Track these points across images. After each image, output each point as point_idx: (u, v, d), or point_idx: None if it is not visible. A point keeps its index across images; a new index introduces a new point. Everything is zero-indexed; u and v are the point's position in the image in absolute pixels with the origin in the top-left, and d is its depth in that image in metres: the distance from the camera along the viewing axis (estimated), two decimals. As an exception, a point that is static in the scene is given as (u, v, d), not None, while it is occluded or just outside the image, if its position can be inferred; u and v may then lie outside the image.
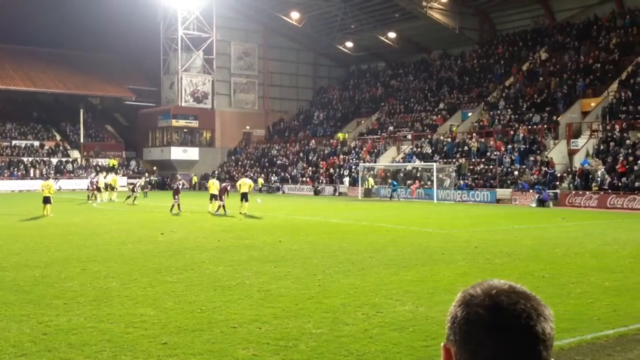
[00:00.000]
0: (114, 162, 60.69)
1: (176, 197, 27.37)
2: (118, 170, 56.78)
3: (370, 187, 41.15)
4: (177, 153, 60.21)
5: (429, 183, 38.85)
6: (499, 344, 1.21)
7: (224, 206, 25.76)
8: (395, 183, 39.16)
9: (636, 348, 6.60)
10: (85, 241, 16.69)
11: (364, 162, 45.16)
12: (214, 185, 27.28)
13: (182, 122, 61.11)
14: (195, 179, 58.25)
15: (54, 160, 58.62)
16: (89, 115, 64.90)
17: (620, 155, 33.13)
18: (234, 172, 55.20)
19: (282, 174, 52.44)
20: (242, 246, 15.49)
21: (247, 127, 64.47)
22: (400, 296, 9.20)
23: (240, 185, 27.27)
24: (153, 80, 65.01)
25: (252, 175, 47.93)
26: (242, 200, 26.30)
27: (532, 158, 37.08)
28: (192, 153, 61.06)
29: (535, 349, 1.21)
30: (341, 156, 50.27)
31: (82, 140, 62.27)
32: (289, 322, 7.68)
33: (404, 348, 6.61)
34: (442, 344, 1.30)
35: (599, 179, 32.41)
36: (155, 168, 61.85)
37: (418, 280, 10.57)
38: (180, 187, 31.08)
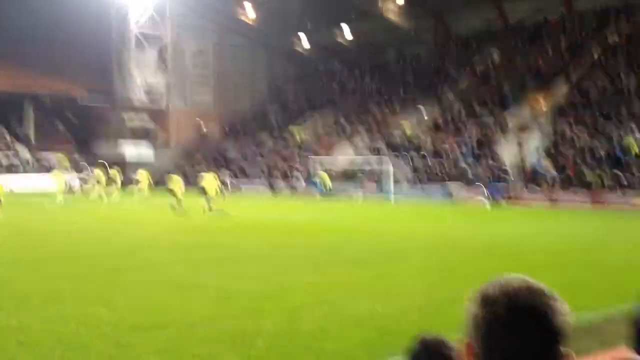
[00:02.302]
0: (64, 160, 59.34)
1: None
2: (69, 169, 55.58)
3: (326, 185, 41.19)
4: (131, 152, 59.25)
5: (384, 181, 39.12)
6: (518, 342, 1.32)
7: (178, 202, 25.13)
8: (316, 181, 38.89)
9: (584, 337, 6.78)
10: (39, 241, 16.31)
11: (320, 160, 45.18)
12: (175, 181, 26.62)
13: (135, 121, 60.16)
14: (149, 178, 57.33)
15: (4, 161, 57.01)
16: (39, 113, 63.30)
17: (569, 152, 34.01)
18: (190, 172, 54.64)
19: (238, 173, 52.14)
20: (199, 245, 15.33)
21: (202, 126, 63.85)
22: (357, 294, 9.24)
23: (200, 181, 26.41)
24: (105, 78, 63.78)
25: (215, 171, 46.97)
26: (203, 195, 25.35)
27: (483, 157, 37.75)
28: (146, 152, 60.17)
29: (554, 345, 1.32)
30: (297, 154, 50.25)
31: (32, 139, 60.71)
32: (246, 320, 7.62)
33: (361, 344, 6.64)
34: (465, 341, 1.38)
35: (549, 177, 33.19)
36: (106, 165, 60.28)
37: (375, 278, 10.64)
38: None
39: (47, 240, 16.50)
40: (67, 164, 58.11)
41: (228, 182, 34.35)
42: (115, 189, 37.53)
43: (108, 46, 61.54)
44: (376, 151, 44.05)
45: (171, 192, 26.23)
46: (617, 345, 6.52)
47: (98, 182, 37.68)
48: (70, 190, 37.90)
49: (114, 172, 39.78)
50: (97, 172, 39.10)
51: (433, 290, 9.59)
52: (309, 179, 40.37)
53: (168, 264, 12.21)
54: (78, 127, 66.65)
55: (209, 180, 25.94)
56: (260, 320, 7.61)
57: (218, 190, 25.69)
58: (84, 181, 35.59)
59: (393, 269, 11.68)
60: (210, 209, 24.72)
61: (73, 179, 35.97)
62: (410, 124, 46.33)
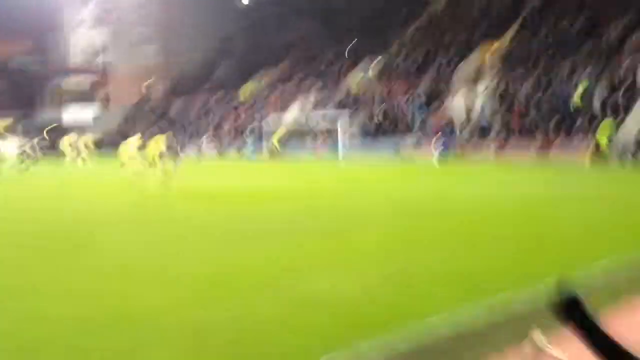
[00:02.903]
0: (2, 125, 56.90)
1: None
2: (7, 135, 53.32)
3: (275, 147, 40.62)
4: (71, 115, 57.17)
5: (335, 141, 38.75)
6: None
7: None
8: (249, 142, 37.98)
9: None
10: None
11: (269, 118, 44.43)
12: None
13: (74, 82, 57.97)
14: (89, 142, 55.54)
15: None
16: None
17: (517, 102, 34.21)
18: (132, 133, 53.05)
19: (183, 134, 50.93)
20: (144, 220, 14.77)
21: (146, 83, 61.84)
22: (316, 270, 8.95)
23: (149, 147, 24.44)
24: (41, 37, 60.90)
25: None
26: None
27: (433, 108, 37.72)
28: (87, 113, 58.15)
29: None
30: (245, 112, 49.33)
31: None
32: (199, 308, 7.22)
33: (325, 333, 6.33)
34: None
35: (495, 131, 33.41)
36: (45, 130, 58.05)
37: (332, 250, 10.35)
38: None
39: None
40: (3, 129, 55.75)
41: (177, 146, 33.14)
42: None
43: (43, 3, 58.55)
44: (325, 107, 43.56)
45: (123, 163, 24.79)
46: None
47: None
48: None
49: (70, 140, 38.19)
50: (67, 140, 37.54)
51: (394, 261, 9.39)
52: (247, 140, 39.44)
53: (114, 243, 11.67)
54: (14, 90, 63.74)
55: (151, 147, 24.61)
56: (215, 307, 7.22)
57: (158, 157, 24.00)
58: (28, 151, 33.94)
59: (350, 238, 11.40)
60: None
61: (12, 147, 34.29)
62: (359, 77, 45.87)
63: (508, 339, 5.84)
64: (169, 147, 23.99)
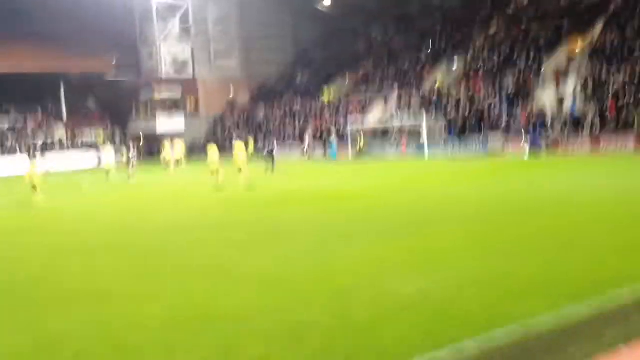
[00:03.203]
0: (101, 136, 60.00)
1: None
2: (107, 145, 56.15)
3: (360, 147, 40.77)
4: (163, 125, 59.48)
5: (419, 140, 38.47)
6: None
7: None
8: (332, 143, 37.78)
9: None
10: (79, 228, 16.42)
11: (352, 121, 44.65)
12: (238, 151, 24.55)
13: (164, 94, 60.26)
14: (183, 148, 57.63)
15: (39, 141, 57.78)
16: (69, 91, 63.78)
17: (609, 97, 32.89)
18: (223, 141, 54.56)
19: (270, 139, 51.90)
20: (234, 223, 15.25)
21: (231, 94, 63.59)
22: (406, 271, 9.00)
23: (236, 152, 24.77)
24: (131, 51, 63.71)
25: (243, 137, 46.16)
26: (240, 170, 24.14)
27: (520, 106, 36.79)
28: (177, 123, 60.32)
29: None
30: (328, 116, 49.74)
31: (64, 118, 61.35)
32: (297, 310, 7.44)
33: (418, 332, 6.40)
34: None
35: (589, 123, 32.24)
36: (141, 138, 60.53)
37: (421, 251, 10.35)
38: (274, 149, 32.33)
39: (88, 226, 16.57)
40: (104, 140, 58.69)
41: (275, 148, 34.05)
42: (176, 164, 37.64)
43: (131, 20, 61.27)
44: (409, 107, 43.32)
45: (211, 165, 25.25)
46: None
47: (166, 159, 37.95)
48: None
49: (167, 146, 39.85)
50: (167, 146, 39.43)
51: (484, 260, 9.29)
52: (328, 142, 39.61)
53: (211, 246, 12.13)
54: (108, 103, 67.01)
55: (239, 148, 24.85)
56: (311, 309, 7.42)
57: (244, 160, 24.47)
58: (127, 158, 35.43)
59: (437, 238, 11.38)
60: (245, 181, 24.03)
61: (112, 155, 35.86)
62: (442, 76, 45.37)
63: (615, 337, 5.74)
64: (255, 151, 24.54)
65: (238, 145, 25.50)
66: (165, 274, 9.99)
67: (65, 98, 62.11)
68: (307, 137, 45.63)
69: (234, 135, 49.75)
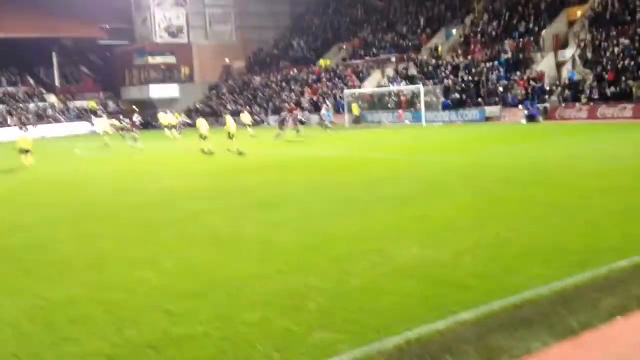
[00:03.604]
0: (93, 104, 59.49)
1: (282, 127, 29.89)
2: (99, 113, 55.84)
3: (356, 114, 40.53)
4: (157, 91, 59.01)
5: (417, 106, 38.26)
6: None
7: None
8: (328, 113, 37.61)
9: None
10: (73, 195, 16.32)
11: (350, 88, 44.33)
12: (230, 122, 26.02)
13: (158, 59, 59.66)
14: (177, 116, 57.31)
15: (32, 106, 57.28)
16: (62, 57, 63.05)
17: (609, 64, 32.64)
18: (219, 107, 54.20)
19: (266, 106, 51.58)
20: (233, 190, 15.16)
21: (227, 60, 63.01)
22: (404, 238, 8.94)
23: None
24: (125, 17, 62.91)
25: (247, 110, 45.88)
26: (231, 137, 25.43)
27: (519, 73, 36.53)
28: (172, 90, 59.86)
29: None
30: (324, 84, 49.33)
31: (57, 84, 60.75)
32: (293, 277, 7.39)
33: (417, 299, 6.36)
34: None
35: (588, 90, 32.05)
36: (134, 108, 60.14)
37: (420, 218, 10.30)
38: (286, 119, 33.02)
39: (82, 194, 16.48)
40: (95, 107, 58.23)
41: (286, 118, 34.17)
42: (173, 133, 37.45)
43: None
44: (406, 74, 42.97)
45: (201, 135, 25.97)
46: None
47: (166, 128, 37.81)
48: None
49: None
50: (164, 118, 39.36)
51: (483, 228, 9.23)
52: (324, 110, 39.45)
53: (207, 214, 12.04)
54: (102, 69, 66.33)
55: (230, 121, 26.04)
56: (308, 276, 7.37)
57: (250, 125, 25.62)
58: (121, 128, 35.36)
59: (437, 205, 11.32)
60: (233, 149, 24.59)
61: (105, 122, 35.78)
62: (441, 43, 44.94)
63: (612, 307, 5.70)
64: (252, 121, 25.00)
65: (229, 118, 26.88)
66: (161, 241, 9.93)
67: (58, 65, 61.42)
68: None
69: (227, 107, 49.42)
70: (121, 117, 40.41)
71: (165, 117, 39.80)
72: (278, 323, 5.96)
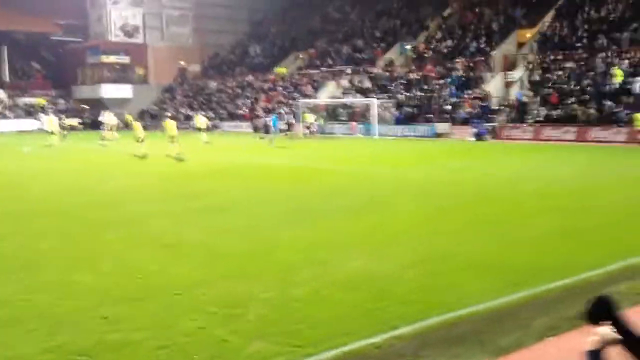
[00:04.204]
0: (42, 101, 57.96)
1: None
2: (46, 110, 54.44)
3: (310, 125, 40.55)
4: (109, 91, 57.90)
5: (370, 119, 38.54)
6: None
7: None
8: (274, 120, 37.61)
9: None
10: (17, 192, 15.85)
11: (305, 97, 44.40)
12: (171, 126, 25.51)
13: (112, 58, 58.64)
14: (129, 118, 56.34)
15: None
16: (13, 52, 61.27)
17: (554, 86, 33.54)
18: (170, 110, 53.49)
19: (221, 111, 51.21)
20: (182, 194, 14.96)
21: (182, 62, 62.33)
22: (350, 250, 8.96)
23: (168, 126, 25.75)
24: (80, 13, 61.64)
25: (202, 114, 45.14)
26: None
27: (469, 91, 37.22)
28: (125, 90, 58.84)
29: None
30: (278, 92, 49.28)
31: (7, 79, 59.02)
32: (235, 285, 7.33)
33: (358, 311, 6.37)
34: None
35: (534, 111, 32.86)
36: (83, 107, 58.68)
37: (367, 230, 10.36)
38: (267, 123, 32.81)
39: (26, 192, 16.04)
40: (44, 104, 56.76)
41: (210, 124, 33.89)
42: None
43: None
44: (360, 88, 43.30)
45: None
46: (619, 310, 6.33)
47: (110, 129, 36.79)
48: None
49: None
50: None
51: (428, 243, 9.34)
52: (274, 119, 39.48)
53: (154, 217, 11.86)
54: (54, 66, 64.73)
55: (171, 125, 25.54)
56: (251, 284, 7.31)
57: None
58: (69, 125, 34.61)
59: (384, 218, 11.41)
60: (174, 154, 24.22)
61: (54, 120, 34.77)
62: (395, 57, 45.49)
63: (544, 327, 5.83)
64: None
65: (169, 122, 26.27)
66: (103, 243, 9.72)
67: (8, 59, 59.67)
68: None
69: (168, 112, 48.58)
70: (63, 116, 39.54)
71: (108, 117, 38.80)
72: (216, 332, 5.88)
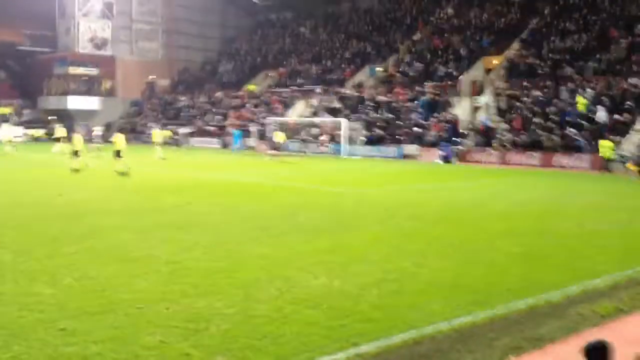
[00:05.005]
0: (6, 110, 57.00)
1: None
2: (9, 119, 53.57)
3: (280, 141, 40.52)
4: (76, 102, 57.24)
5: (338, 138, 38.72)
6: None
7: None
8: (238, 134, 37.22)
9: (546, 322, 6.70)
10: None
11: (274, 115, 44.47)
12: (120, 140, 24.75)
13: (80, 70, 58.03)
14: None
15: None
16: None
17: (518, 113, 34.22)
18: (139, 124, 53.11)
19: (189, 127, 50.93)
20: (148, 209, 14.83)
21: (151, 77, 61.98)
22: (313, 268, 8.98)
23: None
24: (48, 24, 60.95)
25: (158, 126, 45.03)
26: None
27: (437, 114, 37.71)
28: (92, 102, 58.24)
29: None
30: (247, 110, 49.27)
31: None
32: (198, 300, 7.29)
33: (320, 329, 6.39)
34: None
35: (500, 136, 33.43)
36: (50, 118, 57.85)
37: (331, 249, 10.40)
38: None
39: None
40: (8, 113, 55.79)
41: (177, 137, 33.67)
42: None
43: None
44: (329, 108, 43.55)
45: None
46: (580, 330, 6.47)
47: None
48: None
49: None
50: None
51: (390, 262, 9.42)
52: (237, 135, 39.47)
53: (116, 231, 11.71)
54: (20, 75, 63.74)
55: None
56: (213, 300, 7.29)
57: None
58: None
59: (349, 238, 11.47)
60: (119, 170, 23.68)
61: (15, 130, 34.26)
62: (364, 79, 45.91)
63: (506, 346, 5.91)
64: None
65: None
66: (64, 256, 9.57)
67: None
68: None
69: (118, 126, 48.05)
70: (22, 128, 38.82)
71: (61, 130, 38.14)
72: (177, 347, 5.85)
